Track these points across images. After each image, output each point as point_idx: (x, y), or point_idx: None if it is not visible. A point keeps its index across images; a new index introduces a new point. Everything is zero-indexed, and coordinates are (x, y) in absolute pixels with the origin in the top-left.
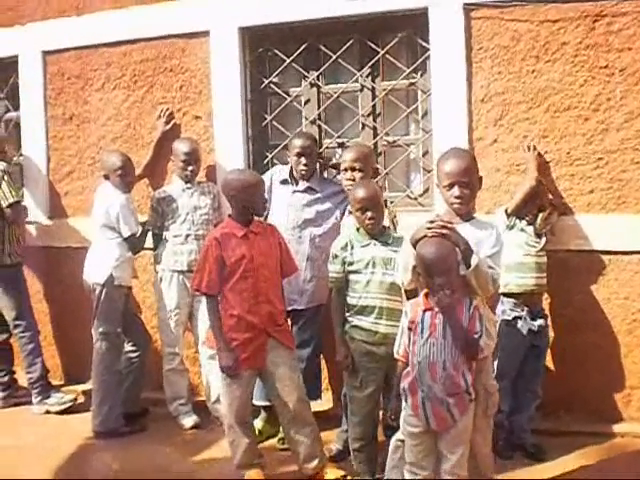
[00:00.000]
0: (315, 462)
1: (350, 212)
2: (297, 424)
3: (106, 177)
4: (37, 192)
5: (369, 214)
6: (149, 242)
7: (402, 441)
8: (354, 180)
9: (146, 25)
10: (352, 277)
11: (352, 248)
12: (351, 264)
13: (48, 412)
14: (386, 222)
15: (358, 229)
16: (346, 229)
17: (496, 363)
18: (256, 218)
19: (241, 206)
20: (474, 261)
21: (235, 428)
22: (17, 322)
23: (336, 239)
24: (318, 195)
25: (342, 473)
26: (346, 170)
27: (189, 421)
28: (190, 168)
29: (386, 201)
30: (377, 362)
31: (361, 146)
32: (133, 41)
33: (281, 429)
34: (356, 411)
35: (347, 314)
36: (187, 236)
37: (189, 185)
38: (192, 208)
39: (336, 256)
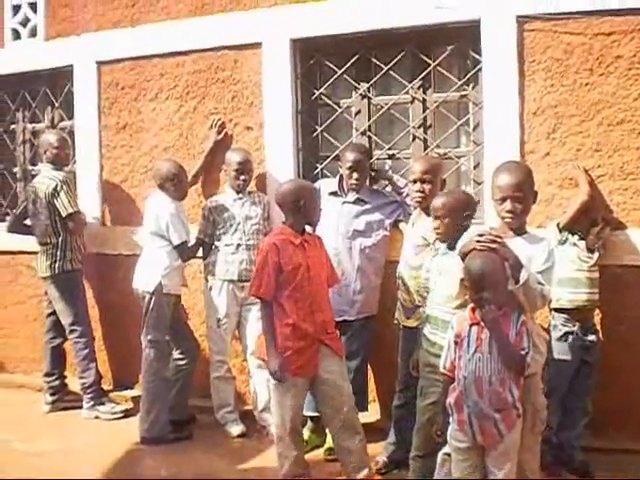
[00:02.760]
0: (365, 472)
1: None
2: (347, 432)
3: (160, 186)
4: (90, 200)
5: (443, 221)
6: (199, 251)
7: (448, 455)
8: (423, 192)
9: (199, 36)
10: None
11: (426, 246)
12: (427, 271)
13: (97, 418)
14: None
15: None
16: (421, 228)
17: (547, 379)
18: (307, 228)
19: (298, 215)
20: (523, 277)
21: (285, 439)
22: (73, 327)
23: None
24: (368, 206)
25: None
26: (415, 182)
27: (236, 429)
28: (242, 178)
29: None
30: (437, 374)
31: (431, 157)
32: (186, 52)
33: (328, 439)
34: (416, 419)
35: (416, 324)
36: (238, 246)
37: (241, 195)
38: (243, 218)
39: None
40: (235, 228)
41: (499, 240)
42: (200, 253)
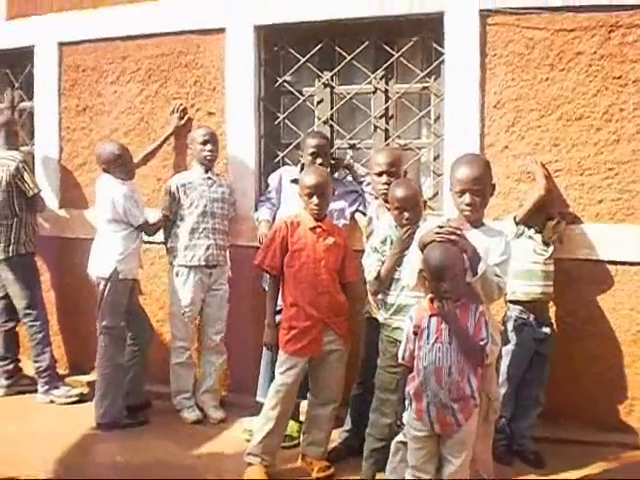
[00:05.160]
0: (321, 450)
1: (388, 209)
2: (324, 403)
3: (105, 170)
4: (49, 182)
5: (406, 214)
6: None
7: (402, 443)
8: (389, 184)
9: (162, 20)
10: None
11: (391, 243)
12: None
13: (52, 402)
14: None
15: (397, 226)
16: (383, 224)
17: (501, 369)
18: (329, 218)
19: (310, 201)
20: (481, 269)
21: (269, 416)
22: (27, 311)
23: (374, 234)
24: None
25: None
26: (381, 174)
27: (192, 415)
28: (208, 148)
29: (425, 202)
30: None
31: (394, 149)
32: (149, 35)
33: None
34: (388, 413)
35: (385, 315)
36: (204, 229)
37: (209, 175)
38: (210, 200)
39: (375, 249)
40: (202, 210)
41: (458, 232)
42: (161, 233)
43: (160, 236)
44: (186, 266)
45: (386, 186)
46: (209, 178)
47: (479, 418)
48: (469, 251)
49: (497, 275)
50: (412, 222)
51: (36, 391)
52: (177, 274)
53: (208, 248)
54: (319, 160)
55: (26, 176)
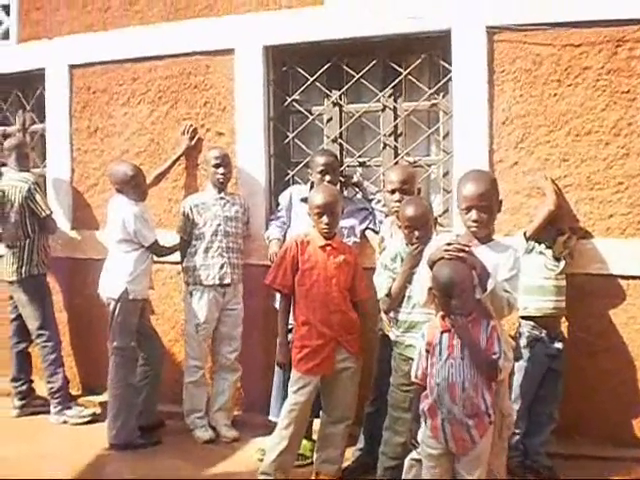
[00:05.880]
0: (335, 467)
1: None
2: (337, 421)
3: (119, 190)
4: (60, 204)
5: (417, 233)
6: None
7: (416, 460)
8: (402, 202)
9: (172, 42)
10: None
11: (401, 261)
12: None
13: (65, 422)
14: None
15: (407, 243)
16: (395, 242)
17: (514, 386)
18: (339, 236)
19: (320, 221)
20: (490, 285)
21: (283, 435)
22: (40, 332)
23: (384, 251)
24: None
25: None
26: (394, 192)
27: (205, 435)
28: (221, 171)
29: (436, 219)
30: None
31: (406, 166)
32: (159, 57)
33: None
34: (401, 432)
35: (397, 333)
36: (218, 248)
37: (222, 195)
38: (224, 219)
39: (386, 267)
40: (215, 229)
41: (466, 249)
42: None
43: (173, 256)
44: (201, 284)
45: (399, 204)
46: (222, 198)
47: (494, 434)
48: (478, 267)
49: (506, 291)
50: (422, 240)
51: (49, 412)
52: (191, 293)
53: (222, 267)
54: (328, 177)
55: (38, 198)
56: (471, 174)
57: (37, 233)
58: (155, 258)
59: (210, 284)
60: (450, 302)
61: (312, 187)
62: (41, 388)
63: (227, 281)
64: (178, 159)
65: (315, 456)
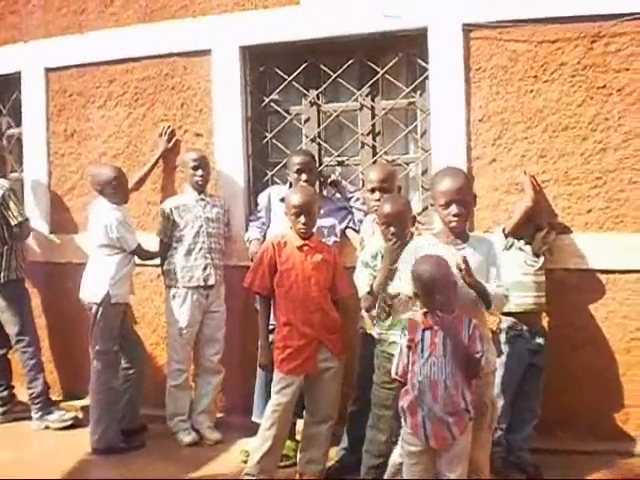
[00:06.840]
0: (319, 467)
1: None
2: (321, 421)
3: (100, 192)
4: (38, 208)
5: (392, 229)
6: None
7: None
8: None
9: (148, 43)
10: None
11: (382, 258)
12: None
13: (47, 428)
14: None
15: (385, 239)
16: (375, 240)
17: (495, 382)
18: (316, 236)
19: (297, 221)
20: (491, 294)
21: (266, 436)
22: (20, 337)
23: (365, 249)
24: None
25: None
26: (374, 191)
27: (188, 438)
28: (200, 173)
29: (415, 217)
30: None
31: (386, 165)
32: (135, 59)
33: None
34: (385, 429)
35: (380, 330)
36: (200, 249)
37: (202, 196)
38: (205, 220)
39: (367, 264)
40: (197, 231)
41: (468, 270)
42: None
43: (154, 260)
44: (184, 287)
45: (379, 202)
46: (202, 199)
47: (484, 426)
48: (479, 290)
49: (499, 285)
50: (398, 236)
51: (31, 418)
52: (174, 296)
53: (206, 268)
54: (304, 177)
55: (11, 205)
56: (445, 170)
57: (13, 239)
58: (137, 261)
59: (194, 285)
60: (434, 298)
61: (291, 187)
62: (23, 394)
63: (211, 282)
64: (157, 161)
65: (299, 456)
